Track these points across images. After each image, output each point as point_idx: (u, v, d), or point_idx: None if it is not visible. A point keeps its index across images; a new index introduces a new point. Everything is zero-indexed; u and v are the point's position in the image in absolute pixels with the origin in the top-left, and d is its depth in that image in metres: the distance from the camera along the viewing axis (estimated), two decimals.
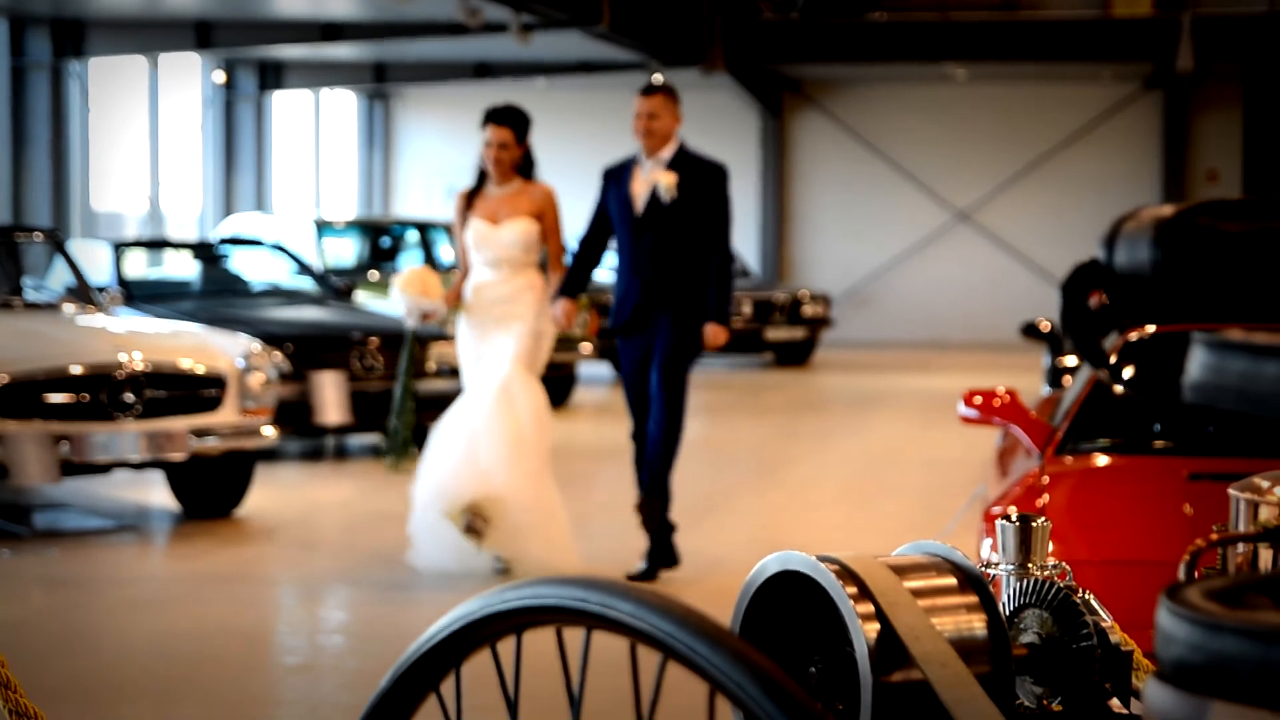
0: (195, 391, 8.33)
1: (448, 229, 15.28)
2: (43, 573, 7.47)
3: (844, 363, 19.62)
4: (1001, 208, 23.41)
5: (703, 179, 7.07)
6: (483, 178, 7.28)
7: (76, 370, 8.02)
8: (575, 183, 21.04)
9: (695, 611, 1.42)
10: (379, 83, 22.40)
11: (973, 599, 1.68)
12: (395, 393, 7.82)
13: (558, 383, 13.95)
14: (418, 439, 8.07)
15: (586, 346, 13.95)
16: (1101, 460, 5.29)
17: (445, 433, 7.08)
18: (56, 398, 7.96)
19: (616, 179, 7.17)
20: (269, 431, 8.59)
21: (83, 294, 9.51)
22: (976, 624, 1.67)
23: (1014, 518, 2.00)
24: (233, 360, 8.49)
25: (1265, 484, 1.63)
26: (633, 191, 7.07)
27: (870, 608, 1.61)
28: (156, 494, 9.47)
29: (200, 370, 8.36)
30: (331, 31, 17.85)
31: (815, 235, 23.92)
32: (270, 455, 10.58)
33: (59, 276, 10.77)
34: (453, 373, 8.94)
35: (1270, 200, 1.51)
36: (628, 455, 7.37)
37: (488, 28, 16.20)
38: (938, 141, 23.46)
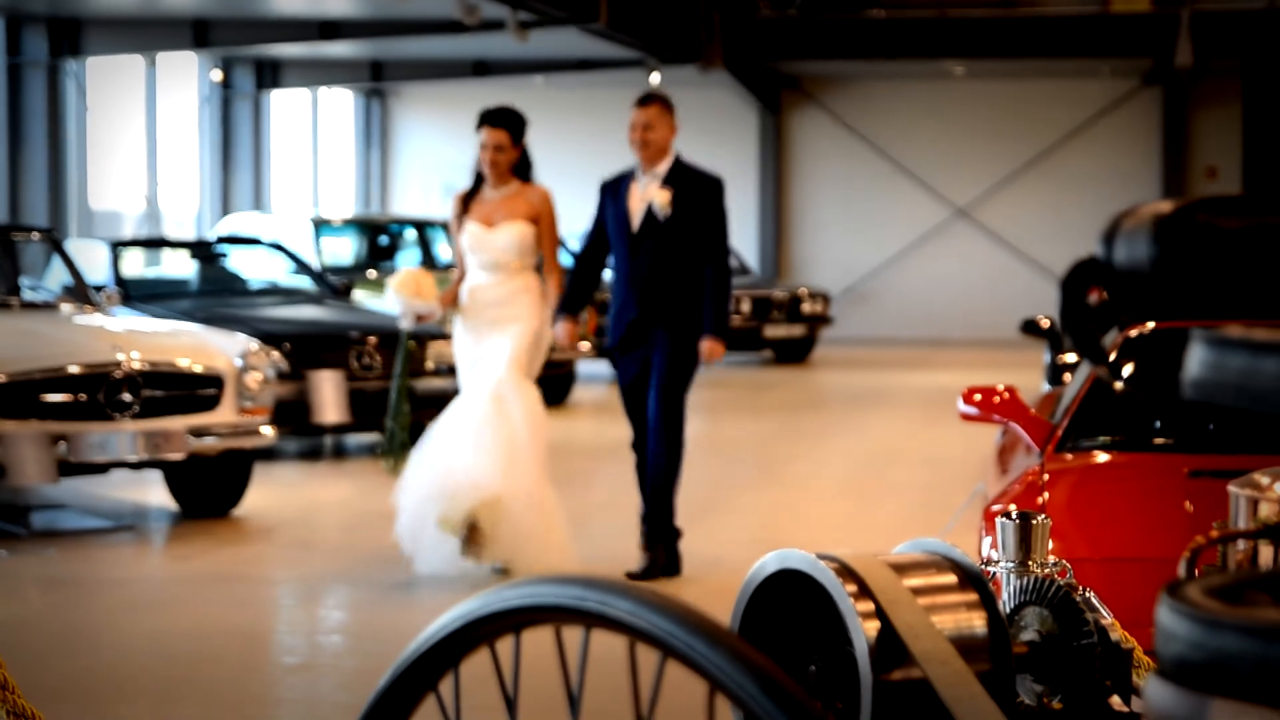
0: (193, 391, 8.32)
1: (445, 227, 15.27)
2: (41, 573, 7.47)
3: (843, 360, 19.62)
4: (1001, 204, 23.41)
5: (699, 192, 7.04)
6: (480, 180, 7.25)
7: (74, 370, 8.02)
8: (574, 181, 21.03)
9: (694, 610, 1.42)
10: (376, 81, 22.40)
11: (973, 597, 1.67)
12: (390, 395, 7.77)
13: (557, 381, 13.95)
14: (416, 439, 8.06)
15: (585, 345, 13.94)
16: (1101, 457, 5.29)
17: (437, 439, 7.04)
18: (54, 397, 7.95)
19: (613, 193, 7.14)
20: (267, 431, 8.58)
21: (80, 293, 9.50)
22: (977, 622, 1.66)
23: (1014, 515, 2.00)
24: (231, 359, 8.48)
25: (1265, 481, 1.62)
26: (629, 206, 7.05)
27: (870, 606, 1.60)
28: (154, 494, 9.46)
29: (198, 370, 8.35)
30: (329, 30, 17.84)
31: (814, 233, 23.92)
32: (268, 455, 10.57)
33: (56, 276, 10.77)
34: (451, 371, 8.93)
35: (1269, 196, 1.50)
36: (627, 455, 7.36)
37: (485, 25, 16.20)
38: (937, 138, 23.46)
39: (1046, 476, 5.11)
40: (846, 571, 1.63)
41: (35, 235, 10.33)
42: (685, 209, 7.00)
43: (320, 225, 15.41)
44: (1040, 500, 4.94)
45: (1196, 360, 1.33)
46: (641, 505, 7.18)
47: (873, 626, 1.59)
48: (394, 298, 7.42)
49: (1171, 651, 1.25)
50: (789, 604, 1.67)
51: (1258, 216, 1.42)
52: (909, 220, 23.57)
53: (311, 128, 23.47)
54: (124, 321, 9.20)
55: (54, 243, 10.12)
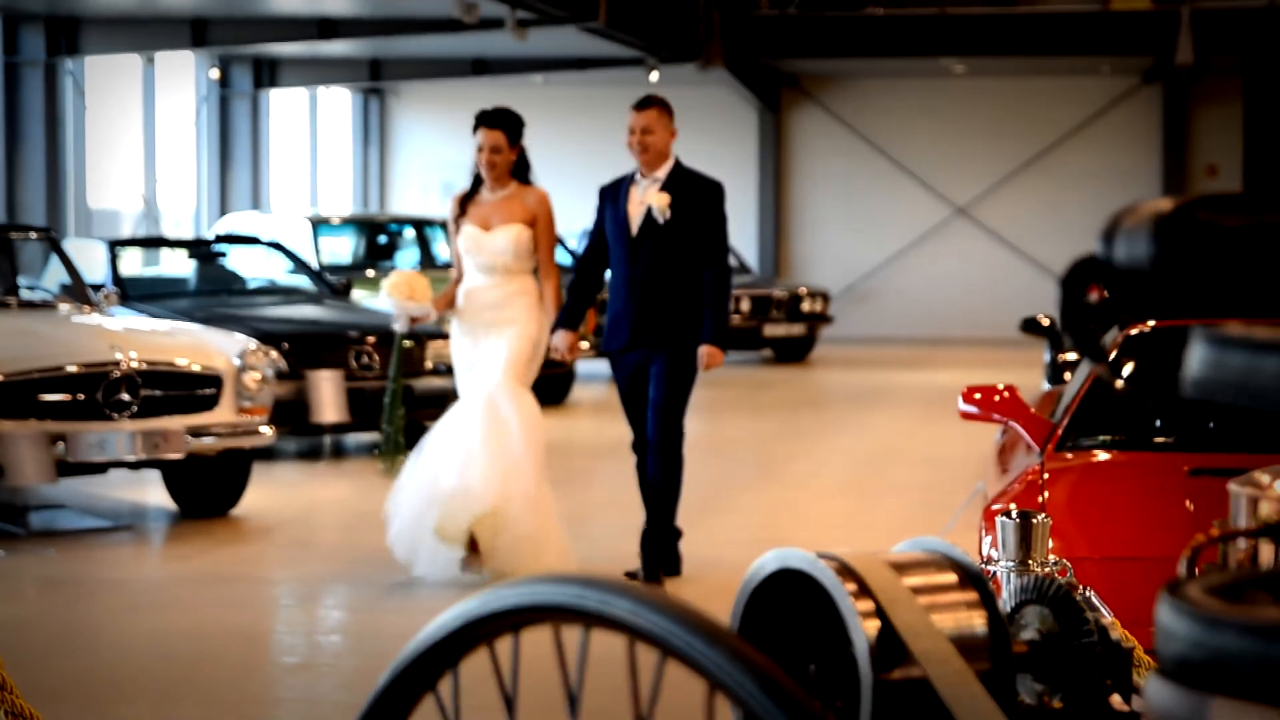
0: (191, 390, 8.32)
1: (444, 226, 15.27)
2: (39, 573, 7.46)
3: (843, 359, 19.62)
4: (1001, 203, 23.41)
5: (698, 197, 7.00)
6: (478, 181, 7.21)
7: (72, 369, 8.01)
8: (573, 179, 21.03)
9: (693, 609, 1.41)
10: (375, 80, 22.39)
11: (973, 596, 1.67)
12: (385, 398, 7.71)
13: (556, 380, 13.94)
14: (413, 439, 8.05)
15: (585, 345, 13.94)
16: (1102, 456, 5.29)
17: (432, 449, 6.98)
18: (52, 397, 7.95)
19: (612, 197, 7.10)
20: (266, 430, 8.57)
21: (78, 293, 9.50)
22: (976, 621, 1.66)
23: (1014, 514, 2.00)
24: (229, 359, 8.48)
25: (1266, 479, 1.62)
26: (628, 210, 7.01)
27: (870, 605, 1.60)
28: (153, 493, 9.46)
29: (196, 369, 8.35)
30: (327, 28, 17.84)
31: (814, 231, 23.92)
32: (267, 454, 10.57)
33: (54, 275, 10.76)
34: (449, 371, 8.92)
35: (1270, 194, 1.50)
36: (627, 454, 7.34)
37: (484, 24, 16.20)
38: (936, 136, 23.45)
39: (1046, 475, 5.10)
40: (846, 571, 1.62)
41: (33, 235, 10.32)
42: (685, 213, 6.96)
43: (319, 224, 15.41)
44: (1040, 499, 4.94)
45: (1197, 359, 1.33)
46: (644, 523, 7.16)
47: (872, 626, 1.59)
48: (387, 300, 7.37)
49: (1172, 650, 1.24)
50: (789, 603, 1.67)
51: (1258, 214, 1.42)
52: (909, 219, 23.57)
53: (310, 126, 23.47)
54: (122, 321, 9.20)
55: (52, 242, 10.11)
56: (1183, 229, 1.41)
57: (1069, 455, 5.27)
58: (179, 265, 13.26)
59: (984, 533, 4.78)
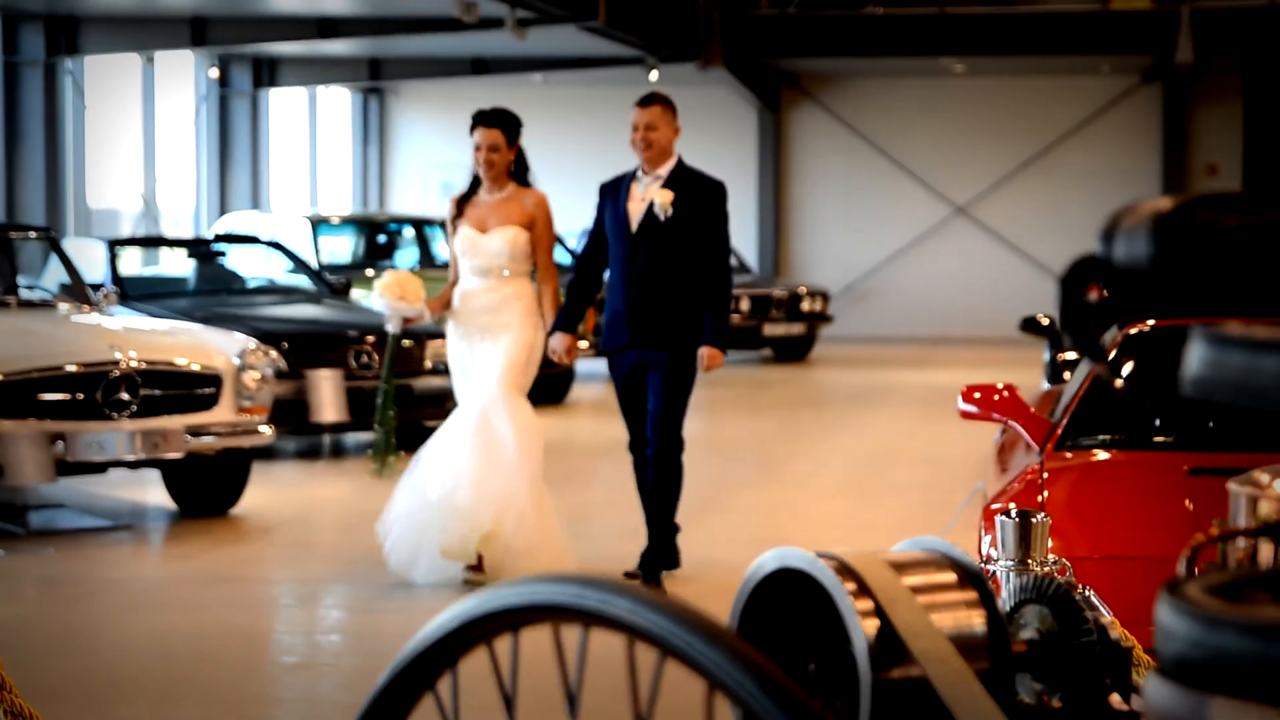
0: (191, 390, 8.32)
1: (444, 226, 15.28)
2: (39, 572, 7.46)
3: (843, 358, 19.62)
4: (1000, 202, 23.40)
5: (701, 196, 6.95)
6: (476, 182, 7.15)
7: (72, 369, 8.01)
8: (572, 178, 21.03)
9: (693, 609, 1.41)
10: (374, 79, 22.39)
11: (972, 595, 1.67)
12: (377, 399, 7.63)
13: (556, 379, 13.94)
14: (413, 439, 8.04)
15: (584, 344, 13.95)
16: (1101, 455, 5.29)
17: (427, 466, 6.92)
18: (52, 396, 7.95)
19: (613, 194, 7.04)
20: (265, 430, 8.57)
21: (78, 292, 9.50)
22: (976, 620, 1.66)
23: (1014, 514, 1.99)
24: (229, 358, 8.47)
25: (1265, 478, 1.62)
26: (629, 208, 6.95)
27: (869, 604, 1.60)
28: (152, 493, 9.46)
29: (196, 368, 8.35)
30: (327, 27, 17.84)
31: (813, 231, 23.91)
32: (267, 454, 10.56)
33: (54, 275, 10.76)
34: (449, 371, 8.92)
35: (1270, 193, 1.50)
36: (626, 453, 7.32)
37: (483, 23, 16.19)
38: (936, 136, 23.45)
39: (1046, 475, 5.10)
40: (846, 570, 1.62)
41: (33, 234, 10.32)
42: (686, 212, 6.91)
43: (318, 224, 15.41)
44: (1040, 498, 4.94)
45: (1196, 358, 1.33)
46: (647, 531, 7.12)
47: (872, 625, 1.59)
48: (380, 301, 7.32)
49: (1171, 650, 1.24)
50: (788, 603, 1.67)
51: (1258, 214, 1.42)
52: (908, 218, 23.57)
53: (309, 126, 23.47)
54: (122, 320, 9.20)
55: (51, 241, 10.11)
56: (1182, 228, 1.40)
57: (1068, 454, 5.27)
58: (178, 265, 13.26)
59: (983, 532, 4.77)
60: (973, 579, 1.67)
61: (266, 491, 9.42)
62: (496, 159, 7.05)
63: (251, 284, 12.56)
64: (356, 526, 8.51)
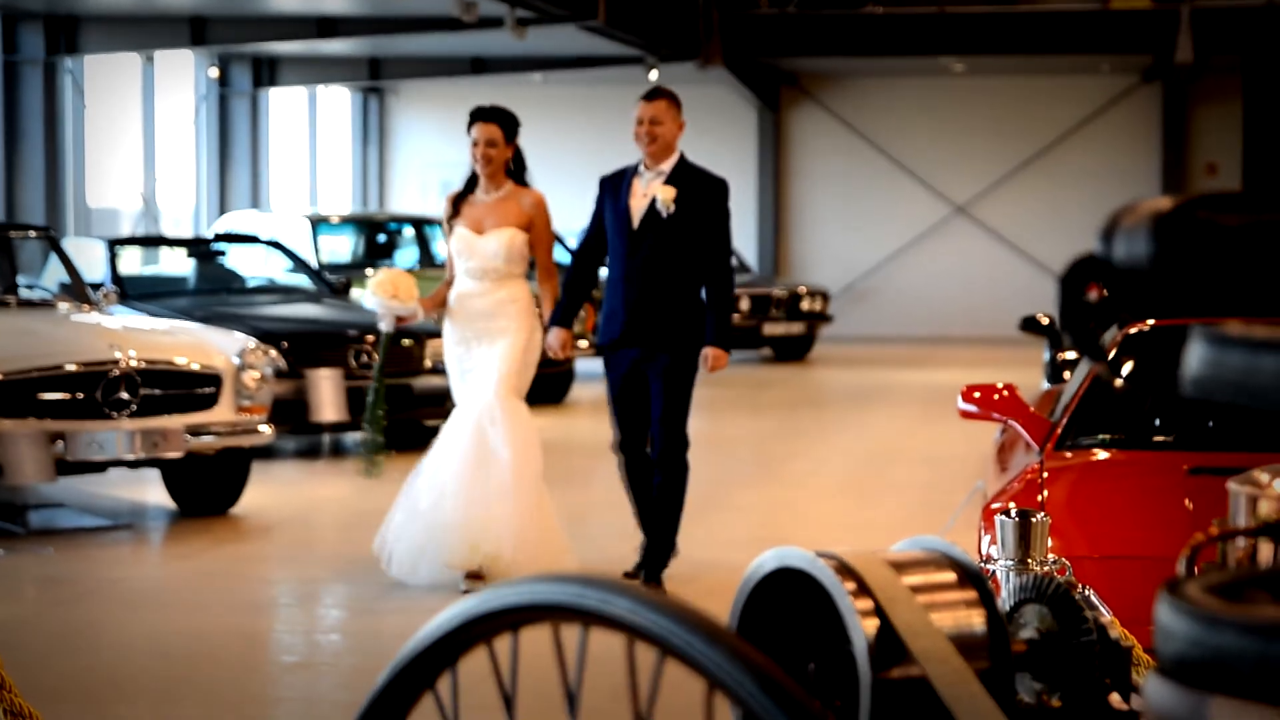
0: (191, 389, 8.32)
1: (442, 224, 15.29)
2: (39, 572, 7.46)
3: (842, 358, 19.62)
4: (1000, 201, 23.40)
5: (703, 193, 6.88)
6: (473, 180, 7.07)
7: (71, 368, 8.01)
8: (572, 178, 21.03)
9: (693, 608, 1.41)
10: (374, 78, 22.39)
11: (972, 595, 1.67)
12: (367, 398, 7.54)
13: (555, 379, 13.93)
14: (412, 439, 8.02)
15: (583, 344, 13.94)
16: (1101, 455, 5.28)
17: (426, 480, 6.87)
18: (51, 396, 7.94)
19: (614, 188, 6.95)
20: (265, 429, 8.57)
21: (77, 291, 9.50)
22: (976, 620, 1.66)
23: (1013, 513, 2.00)
24: (228, 358, 8.47)
25: (1265, 478, 1.62)
26: (630, 204, 6.87)
27: (869, 604, 1.60)
28: (152, 492, 9.46)
29: (196, 368, 8.34)
30: (327, 27, 17.84)
31: (813, 230, 23.91)
32: (266, 453, 10.56)
33: (54, 274, 10.75)
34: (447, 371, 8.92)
35: (1269, 192, 1.50)
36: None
37: (483, 22, 16.19)
38: (935, 135, 23.45)
39: (1046, 474, 5.10)
40: (845, 569, 1.62)
41: (32, 233, 10.32)
42: (688, 209, 6.85)
43: (318, 223, 15.41)
44: (1039, 498, 4.94)
45: (1196, 357, 1.33)
46: (642, 539, 7.07)
47: (872, 624, 1.59)
48: (372, 299, 7.28)
49: (1171, 649, 1.24)
50: (788, 602, 1.67)
51: (1257, 213, 1.42)
52: (908, 217, 23.57)
53: (309, 125, 23.46)
54: (121, 320, 9.20)
55: (51, 241, 10.11)
56: (1182, 227, 1.40)
57: (1068, 454, 5.27)
58: (178, 264, 13.25)
59: (983, 532, 4.77)
60: (972, 578, 1.67)
61: (266, 491, 9.42)
62: (494, 154, 6.98)
63: (251, 283, 12.56)
64: (356, 526, 8.51)
